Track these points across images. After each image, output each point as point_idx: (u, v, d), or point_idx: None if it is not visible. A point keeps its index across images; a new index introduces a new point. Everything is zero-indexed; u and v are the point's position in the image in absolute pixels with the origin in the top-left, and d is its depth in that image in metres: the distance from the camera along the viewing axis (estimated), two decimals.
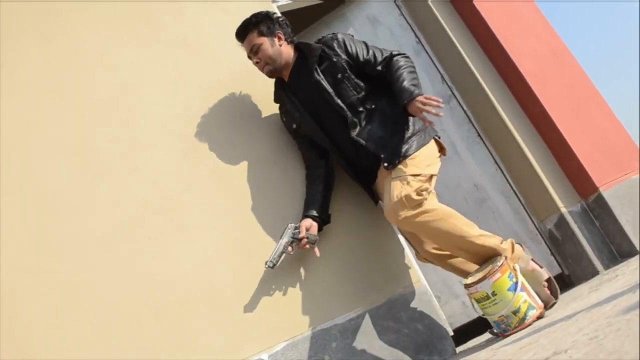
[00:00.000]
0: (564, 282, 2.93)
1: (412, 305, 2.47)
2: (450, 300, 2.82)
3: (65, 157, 2.46)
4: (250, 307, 2.35)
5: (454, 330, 2.59)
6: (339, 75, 2.40)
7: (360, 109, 2.39)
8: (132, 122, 2.59)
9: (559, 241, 2.91)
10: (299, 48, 2.53)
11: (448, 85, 3.16)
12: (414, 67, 2.39)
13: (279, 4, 3.03)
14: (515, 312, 2.10)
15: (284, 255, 2.26)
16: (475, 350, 2.25)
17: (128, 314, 2.24)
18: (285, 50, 2.50)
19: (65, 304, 2.22)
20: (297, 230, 2.31)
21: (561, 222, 2.89)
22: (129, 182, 2.46)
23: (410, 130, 2.36)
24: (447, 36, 3.13)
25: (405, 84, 2.29)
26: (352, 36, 2.52)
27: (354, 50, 2.43)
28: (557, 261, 2.91)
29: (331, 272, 2.45)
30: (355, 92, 2.41)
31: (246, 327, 2.31)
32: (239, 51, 2.63)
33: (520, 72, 3.01)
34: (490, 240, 2.24)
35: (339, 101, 2.38)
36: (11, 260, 2.25)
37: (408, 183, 2.21)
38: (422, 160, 2.29)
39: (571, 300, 2.36)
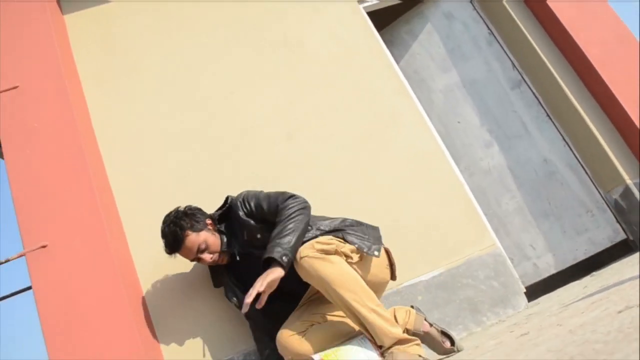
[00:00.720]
0: (628, 247, 2.95)
1: (488, 265, 2.57)
2: (523, 261, 2.91)
3: (187, 144, 2.76)
4: None
5: (525, 288, 2.66)
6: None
7: None
8: (243, 113, 2.85)
9: (624, 210, 2.93)
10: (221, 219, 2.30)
11: (518, 71, 3.22)
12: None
13: (365, 4, 3.15)
14: None
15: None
16: (546, 304, 2.33)
17: None
18: (216, 233, 2.25)
19: None
20: None
21: (627, 192, 2.91)
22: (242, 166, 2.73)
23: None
24: (517, 27, 3.18)
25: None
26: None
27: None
28: (623, 228, 2.94)
29: (417, 238, 2.58)
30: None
31: None
32: (331, 46, 2.81)
33: (587, 56, 3.01)
34: (379, 321, 1.82)
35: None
36: (155, 224, 2.55)
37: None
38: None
39: (637, 262, 2.39)
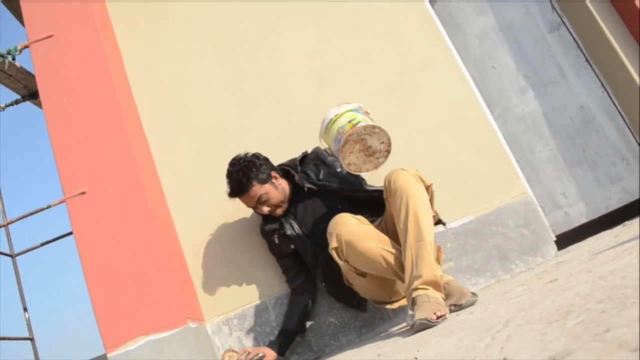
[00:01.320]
0: None
1: (519, 213, 2.56)
2: (554, 210, 2.88)
3: (219, 91, 2.78)
4: None
5: (556, 237, 2.66)
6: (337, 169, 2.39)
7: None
8: (275, 59, 2.84)
9: None
10: (288, 173, 2.44)
11: (558, 13, 3.10)
12: None
13: None
14: (350, 121, 2.04)
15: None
16: (576, 252, 2.33)
17: None
18: (284, 185, 2.40)
19: None
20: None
21: None
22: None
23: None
24: None
25: None
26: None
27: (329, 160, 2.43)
28: None
29: (448, 184, 2.57)
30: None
31: None
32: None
33: None
34: (432, 255, 1.87)
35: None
36: (181, 180, 2.61)
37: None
38: None
39: None
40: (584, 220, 2.87)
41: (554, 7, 3.10)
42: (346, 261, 2.04)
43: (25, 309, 2.67)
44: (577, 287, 1.26)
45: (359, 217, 2.08)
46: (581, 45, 3.05)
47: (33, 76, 2.82)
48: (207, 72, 2.87)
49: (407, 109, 2.74)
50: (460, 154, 2.67)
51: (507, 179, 2.63)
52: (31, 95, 3.05)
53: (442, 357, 1.12)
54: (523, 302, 1.45)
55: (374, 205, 2.25)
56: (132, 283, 2.23)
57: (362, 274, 2.11)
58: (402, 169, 2.02)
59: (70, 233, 2.41)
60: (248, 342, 2.47)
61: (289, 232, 2.35)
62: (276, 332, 2.43)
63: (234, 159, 2.41)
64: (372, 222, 2.18)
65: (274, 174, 2.37)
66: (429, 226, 1.90)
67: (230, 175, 2.36)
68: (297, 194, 2.41)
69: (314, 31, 2.91)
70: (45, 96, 2.58)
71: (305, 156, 2.50)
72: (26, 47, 2.72)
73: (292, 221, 2.38)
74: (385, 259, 1.95)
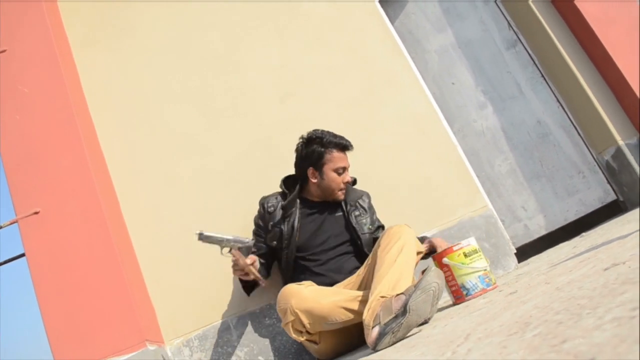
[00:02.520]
0: (618, 207, 2.97)
1: (480, 226, 2.59)
2: (514, 223, 2.93)
3: (189, 104, 2.74)
4: None
5: (516, 249, 2.69)
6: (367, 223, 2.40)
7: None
8: (237, 74, 2.83)
9: (615, 171, 2.94)
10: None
11: (514, 31, 3.18)
12: None
13: None
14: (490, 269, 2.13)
15: (217, 244, 2.11)
16: (535, 264, 2.35)
17: None
18: None
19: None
20: (246, 244, 2.15)
21: (618, 153, 2.92)
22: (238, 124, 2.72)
23: None
24: None
25: None
26: None
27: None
28: (613, 189, 2.96)
29: (410, 199, 2.59)
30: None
31: None
32: (325, 6, 2.77)
33: (583, 15, 2.97)
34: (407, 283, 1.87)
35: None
36: (140, 198, 2.55)
37: None
38: None
39: (626, 222, 2.41)
40: (543, 232, 2.92)
41: (510, 25, 3.19)
42: (301, 332, 1.99)
43: None
44: (536, 299, 1.27)
45: (303, 282, 2.07)
46: (537, 62, 3.14)
47: None
48: (169, 87, 2.83)
49: (370, 124, 2.76)
50: (423, 168, 2.69)
51: (468, 193, 2.66)
52: None
53: None
54: (484, 315, 1.45)
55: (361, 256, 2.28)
56: (88, 306, 2.15)
57: (315, 341, 2.05)
58: (405, 224, 2.07)
59: (23, 255, 2.32)
60: None
61: (284, 228, 2.28)
62: (238, 353, 2.38)
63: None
64: (355, 268, 2.22)
65: None
66: (410, 272, 1.90)
67: (334, 134, 2.34)
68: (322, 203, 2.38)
69: (279, 46, 2.91)
70: None
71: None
72: None
73: (294, 220, 2.30)
74: (347, 308, 1.93)
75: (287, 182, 2.42)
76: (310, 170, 2.34)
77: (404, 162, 2.70)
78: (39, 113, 2.49)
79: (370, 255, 2.12)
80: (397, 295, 1.71)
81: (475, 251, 2.11)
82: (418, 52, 3.18)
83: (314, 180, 2.33)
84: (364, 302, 1.89)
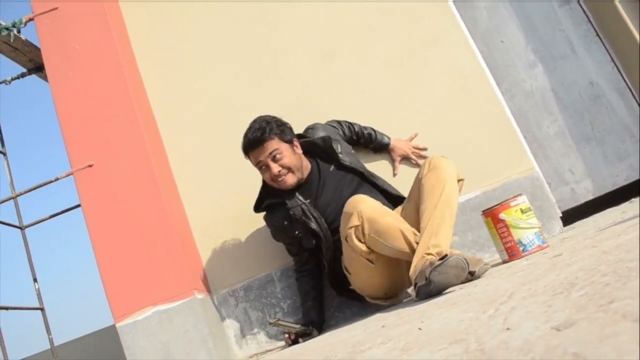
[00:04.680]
0: None
1: (525, 189, 2.56)
2: (560, 186, 2.87)
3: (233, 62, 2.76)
4: None
5: (562, 213, 2.65)
6: (352, 151, 2.44)
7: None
8: (282, 32, 2.82)
9: None
10: (310, 151, 2.35)
11: None
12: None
13: None
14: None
15: (284, 329, 2.18)
16: (582, 228, 2.32)
17: None
18: (302, 158, 2.29)
19: None
20: (306, 336, 2.19)
21: None
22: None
23: None
24: None
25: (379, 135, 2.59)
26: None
27: (342, 130, 2.52)
28: None
29: (454, 159, 2.52)
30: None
31: None
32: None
33: None
34: (449, 230, 1.94)
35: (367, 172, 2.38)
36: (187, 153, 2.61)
37: None
38: None
39: None
40: (590, 197, 2.86)
41: None
42: (363, 242, 2.00)
43: (35, 280, 2.71)
44: (582, 262, 1.26)
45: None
46: (592, 20, 3.00)
47: (38, 49, 2.81)
48: (213, 43, 2.85)
49: (415, 83, 2.72)
50: (467, 129, 2.66)
51: (514, 155, 2.62)
52: (37, 68, 3.04)
53: (446, 328, 1.13)
54: (527, 275, 1.46)
55: (389, 198, 2.32)
56: (139, 255, 2.25)
57: (371, 261, 2.05)
58: (442, 156, 2.08)
59: (79, 205, 2.43)
60: (254, 314, 2.50)
61: (313, 225, 2.22)
62: (282, 305, 2.46)
63: (258, 117, 2.30)
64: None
65: (296, 141, 2.27)
66: (454, 210, 1.96)
67: (251, 125, 2.24)
68: (315, 176, 2.31)
69: (323, 4, 2.87)
70: (50, 69, 2.58)
71: (310, 130, 2.45)
72: (31, 19, 2.70)
73: (312, 212, 2.24)
74: (404, 235, 1.93)
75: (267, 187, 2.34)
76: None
77: (449, 122, 2.67)
78: (89, 69, 2.56)
79: (414, 186, 2.17)
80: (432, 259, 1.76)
81: (530, 209, 2.12)
82: (466, 9, 3.09)
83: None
84: (413, 243, 1.91)
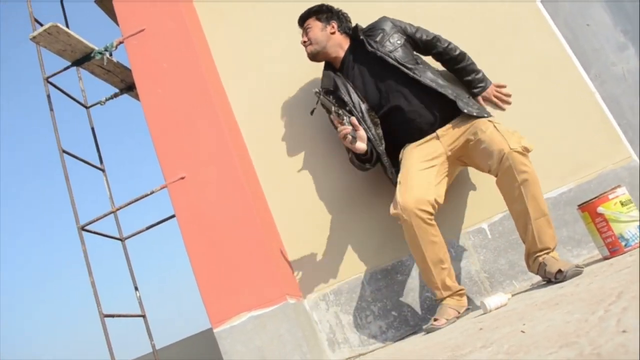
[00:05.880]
0: None
1: (623, 179, 2.41)
2: None
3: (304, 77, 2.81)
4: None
5: None
6: (399, 41, 2.43)
7: (417, 68, 2.38)
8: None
9: None
10: (353, 37, 2.55)
11: None
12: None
13: None
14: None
15: (327, 106, 2.15)
16: None
17: None
18: (335, 38, 2.54)
19: None
20: (347, 116, 2.22)
21: None
22: None
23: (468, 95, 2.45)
24: None
25: (482, 74, 2.57)
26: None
27: (403, 25, 2.51)
28: None
29: (544, 152, 2.44)
30: (412, 57, 2.43)
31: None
32: None
33: None
34: (548, 225, 2.05)
35: (402, 63, 2.37)
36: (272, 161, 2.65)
37: (514, 133, 2.13)
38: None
39: None
40: None
41: None
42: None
43: (136, 288, 2.88)
44: None
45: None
46: None
47: (129, 70, 2.99)
48: (292, 55, 2.89)
49: (497, 73, 2.63)
50: (556, 119, 2.54)
51: (608, 144, 2.48)
52: (128, 88, 3.24)
53: (552, 330, 1.10)
54: (634, 273, 1.38)
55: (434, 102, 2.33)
56: (233, 262, 2.34)
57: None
58: (508, 133, 2.10)
59: (173, 216, 2.56)
60: (345, 317, 2.53)
61: (345, 97, 2.42)
62: (372, 308, 2.48)
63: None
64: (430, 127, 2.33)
65: (333, 22, 2.54)
66: (543, 201, 2.05)
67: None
68: (356, 53, 2.50)
69: None
70: (141, 88, 2.74)
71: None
72: (121, 42, 2.88)
73: (345, 80, 2.48)
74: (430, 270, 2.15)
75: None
76: None
77: (535, 112, 2.56)
78: (177, 86, 2.69)
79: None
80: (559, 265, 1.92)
81: (630, 201, 2.01)
82: None
83: None
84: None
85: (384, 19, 2.52)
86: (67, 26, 3.28)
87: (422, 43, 2.50)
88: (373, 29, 2.49)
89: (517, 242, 2.41)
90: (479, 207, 2.52)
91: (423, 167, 2.23)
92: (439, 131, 2.31)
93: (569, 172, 2.47)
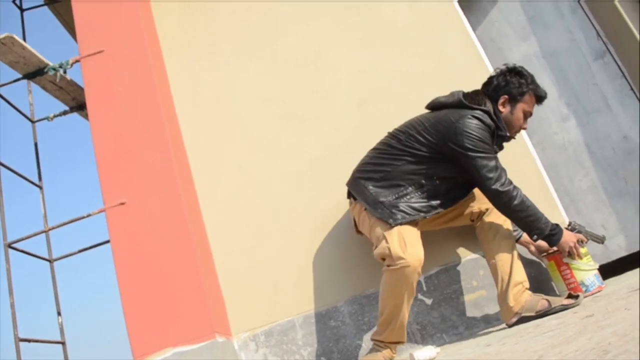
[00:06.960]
0: None
1: None
2: (592, 242, 2.77)
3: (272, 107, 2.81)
4: None
5: None
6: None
7: None
8: (319, 79, 2.86)
9: None
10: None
11: (603, 41, 3.01)
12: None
13: None
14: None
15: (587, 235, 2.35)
16: (614, 287, 2.23)
17: None
18: None
19: None
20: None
21: None
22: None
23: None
24: None
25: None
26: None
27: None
28: None
29: None
30: None
31: None
32: (406, 12, 2.76)
33: None
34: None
35: None
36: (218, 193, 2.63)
37: None
38: None
39: None
40: (623, 254, 2.76)
41: (599, 35, 3.03)
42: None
43: (59, 313, 2.72)
44: (615, 325, 1.20)
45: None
46: (626, 74, 2.96)
47: (81, 89, 2.91)
48: (253, 90, 2.89)
49: None
50: None
51: (545, 208, 2.51)
52: (79, 107, 3.14)
53: None
54: (557, 337, 1.39)
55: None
56: (163, 294, 2.24)
57: None
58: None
59: (108, 241, 2.46)
60: (274, 359, 2.45)
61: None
62: (302, 352, 2.41)
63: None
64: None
65: None
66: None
67: (535, 80, 2.34)
68: None
69: (360, 51, 2.89)
70: (92, 108, 2.66)
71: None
72: (77, 61, 2.81)
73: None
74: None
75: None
76: (504, 98, 2.29)
77: None
78: (129, 110, 2.63)
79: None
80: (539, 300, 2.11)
81: (588, 253, 2.29)
82: (500, 61, 3.06)
83: (503, 109, 2.28)
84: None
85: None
86: (24, 38, 3.19)
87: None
88: None
89: (450, 296, 2.42)
90: None
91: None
92: None
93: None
